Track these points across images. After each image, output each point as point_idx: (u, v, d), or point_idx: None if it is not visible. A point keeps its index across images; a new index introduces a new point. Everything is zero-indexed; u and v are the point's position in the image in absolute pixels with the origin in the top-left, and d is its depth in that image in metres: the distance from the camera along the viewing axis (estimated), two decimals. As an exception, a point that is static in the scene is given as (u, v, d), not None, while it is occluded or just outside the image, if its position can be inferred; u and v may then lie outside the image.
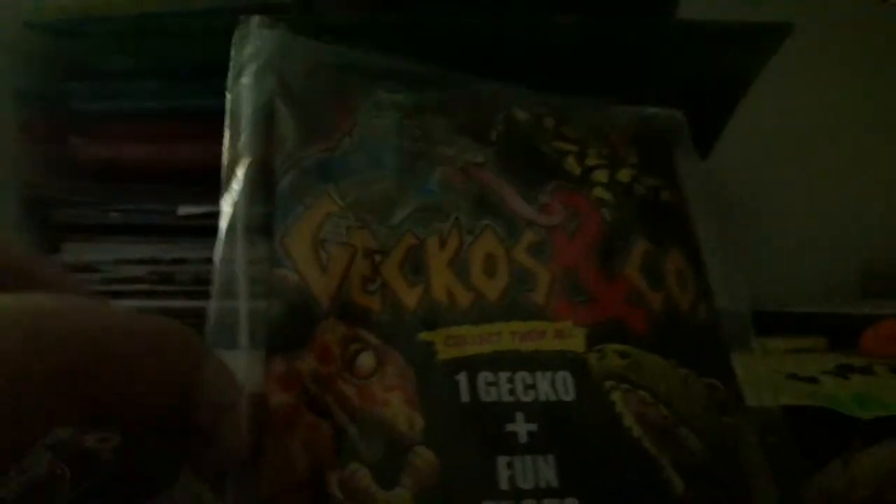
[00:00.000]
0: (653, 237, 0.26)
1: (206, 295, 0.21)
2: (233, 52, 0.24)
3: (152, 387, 0.17)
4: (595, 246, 0.25)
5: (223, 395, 0.19)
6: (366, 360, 0.21)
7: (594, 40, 0.27)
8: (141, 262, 0.45)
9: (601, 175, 0.27)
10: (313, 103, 0.25)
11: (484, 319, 0.23)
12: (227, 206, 0.22)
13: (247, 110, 0.24)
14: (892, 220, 0.69)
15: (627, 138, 0.29)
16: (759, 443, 0.23)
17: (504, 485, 0.20)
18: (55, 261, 0.44)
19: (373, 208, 0.24)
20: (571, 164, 0.27)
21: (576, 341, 0.23)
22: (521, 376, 0.22)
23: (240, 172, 0.23)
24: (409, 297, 0.23)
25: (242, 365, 0.20)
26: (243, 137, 0.23)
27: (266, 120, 0.24)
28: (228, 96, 0.24)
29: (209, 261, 0.21)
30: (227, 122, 0.23)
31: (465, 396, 0.21)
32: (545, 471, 0.20)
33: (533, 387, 0.22)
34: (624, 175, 0.28)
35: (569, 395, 0.22)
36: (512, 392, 0.22)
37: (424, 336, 0.22)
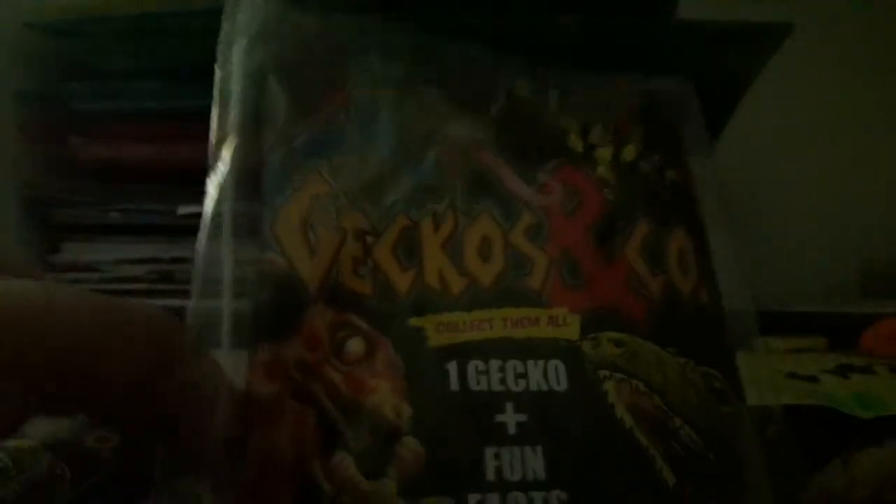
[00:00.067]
0: (656, 218, 0.26)
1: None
2: (223, 23, 0.24)
3: (117, 365, 0.17)
4: (595, 226, 0.25)
5: (206, 385, 0.19)
6: (355, 346, 0.21)
7: (594, 40, 0.27)
8: (141, 261, 0.45)
9: (605, 153, 0.27)
10: (306, 77, 0.24)
11: (476, 305, 0.22)
12: (212, 189, 0.22)
13: (236, 85, 0.23)
14: (892, 220, 0.69)
15: (633, 113, 0.28)
16: (758, 436, 0.23)
17: (490, 476, 0.20)
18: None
19: (366, 187, 0.23)
20: (574, 141, 0.27)
21: (570, 329, 0.23)
22: (513, 365, 0.22)
23: (226, 153, 0.22)
24: (401, 282, 0.22)
25: (226, 363, 0.20)
26: (232, 114, 0.22)
27: (256, 95, 0.23)
28: (217, 71, 0.23)
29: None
30: (215, 97, 0.23)
31: (454, 385, 0.21)
32: (533, 462, 0.20)
33: (524, 376, 0.22)
34: (628, 153, 0.27)
35: (560, 385, 0.22)
36: (503, 381, 0.21)
37: (415, 322, 0.22)
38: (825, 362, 0.39)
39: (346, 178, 0.23)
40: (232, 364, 0.20)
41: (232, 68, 0.23)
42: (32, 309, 0.17)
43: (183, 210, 0.44)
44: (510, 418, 0.21)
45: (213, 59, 0.24)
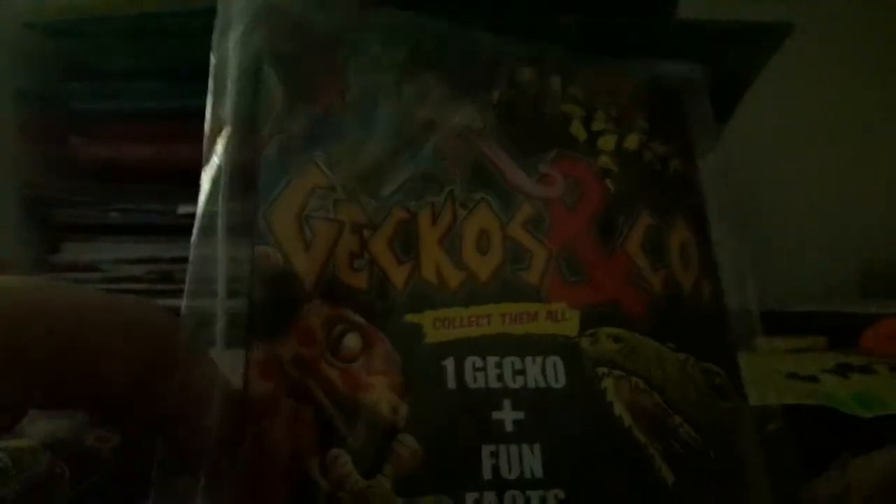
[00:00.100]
0: (658, 209, 0.25)
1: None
2: (219, 8, 0.23)
3: (117, 363, 0.18)
4: (596, 219, 0.24)
5: (203, 383, 0.19)
6: (351, 342, 0.21)
7: (594, 39, 0.27)
8: (141, 261, 0.45)
9: (608, 142, 0.26)
10: (302, 64, 0.24)
11: (474, 301, 0.22)
12: (206, 182, 0.21)
13: (232, 72, 0.22)
14: (892, 220, 0.69)
15: (639, 98, 0.27)
16: (757, 434, 0.23)
17: (487, 474, 0.20)
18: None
19: (363, 177, 0.23)
20: (577, 128, 0.26)
21: (569, 325, 0.22)
22: (511, 361, 0.22)
23: (221, 145, 0.22)
24: (398, 276, 0.22)
25: (222, 361, 0.20)
26: (227, 105, 0.22)
27: (251, 85, 0.23)
28: (213, 57, 0.23)
29: (209, 260, 0.21)
30: (210, 85, 0.22)
31: (451, 383, 0.21)
32: (530, 461, 0.20)
33: (522, 372, 0.21)
34: (632, 141, 0.26)
35: (558, 382, 0.21)
36: (500, 378, 0.21)
37: (411, 318, 0.21)
38: (825, 362, 0.39)
39: (344, 169, 0.23)
40: (227, 362, 0.20)
41: (227, 55, 0.23)
42: (33, 304, 0.17)
43: (183, 210, 0.44)
44: (507, 416, 0.21)
45: (213, 59, 0.24)
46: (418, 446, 0.20)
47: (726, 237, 0.26)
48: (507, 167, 0.24)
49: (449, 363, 0.21)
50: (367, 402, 0.20)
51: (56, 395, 0.17)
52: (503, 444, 0.20)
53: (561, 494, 0.20)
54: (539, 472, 0.20)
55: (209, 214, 0.21)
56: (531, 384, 0.21)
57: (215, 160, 0.22)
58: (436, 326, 0.21)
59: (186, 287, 0.20)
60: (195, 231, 0.21)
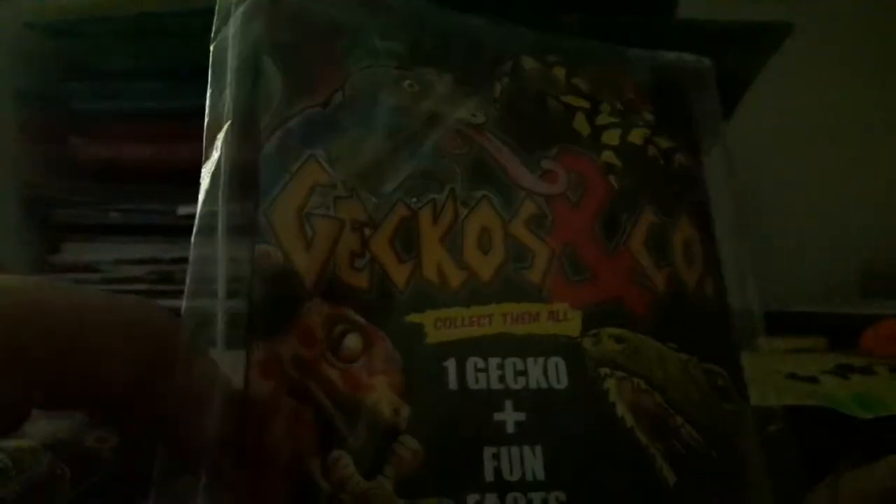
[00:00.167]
0: (662, 206, 0.25)
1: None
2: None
3: (117, 363, 0.18)
4: (599, 216, 0.24)
5: (203, 384, 0.19)
6: (352, 342, 0.20)
7: (595, 39, 0.27)
8: (141, 261, 0.45)
9: (612, 136, 0.26)
10: (302, 54, 0.23)
11: (476, 300, 0.22)
12: (206, 179, 0.21)
13: (231, 63, 0.22)
14: (892, 220, 0.69)
15: (645, 90, 0.27)
16: (758, 435, 0.23)
17: (489, 476, 0.20)
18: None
19: (363, 174, 0.22)
20: (580, 123, 0.26)
21: (571, 325, 0.22)
22: (512, 362, 0.21)
23: (220, 139, 0.21)
24: (399, 275, 0.22)
25: (222, 361, 0.20)
26: (227, 95, 0.22)
27: (251, 73, 0.22)
28: (212, 48, 0.22)
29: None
30: (210, 77, 0.22)
31: (452, 384, 0.21)
32: (532, 462, 0.20)
33: (524, 373, 0.21)
34: (636, 136, 0.26)
35: (561, 383, 0.21)
36: (502, 379, 0.21)
37: (413, 318, 0.21)
38: (825, 362, 0.39)
39: (344, 166, 0.22)
40: (227, 362, 0.20)
41: (226, 45, 0.22)
42: (33, 304, 0.17)
43: (183, 210, 0.44)
44: (509, 417, 0.21)
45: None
46: (419, 447, 0.19)
47: (728, 235, 0.26)
48: (509, 163, 0.24)
49: (450, 364, 0.21)
50: (368, 403, 0.20)
51: (56, 395, 0.17)
52: (505, 446, 0.20)
53: (563, 496, 0.20)
54: (541, 474, 0.20)
55: (209, 214, 0.21)
56: (533, 385, 0.21)
57: (215, 156, 0.21)
58: (437, 326, 0.21)
59: (186, 287, 0.20)
60: (195, 231, 0.21)
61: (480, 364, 0.21)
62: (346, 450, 0.19)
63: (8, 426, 0.17)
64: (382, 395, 0.20)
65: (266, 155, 0.22)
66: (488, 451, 0.20)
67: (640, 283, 0.24)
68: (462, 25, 0.26)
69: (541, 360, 0.22)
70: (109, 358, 0.18)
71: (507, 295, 0.22)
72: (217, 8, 0.23)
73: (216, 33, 0.23)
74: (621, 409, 0.21)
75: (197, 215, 0.21)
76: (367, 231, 0.22)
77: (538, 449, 0.20)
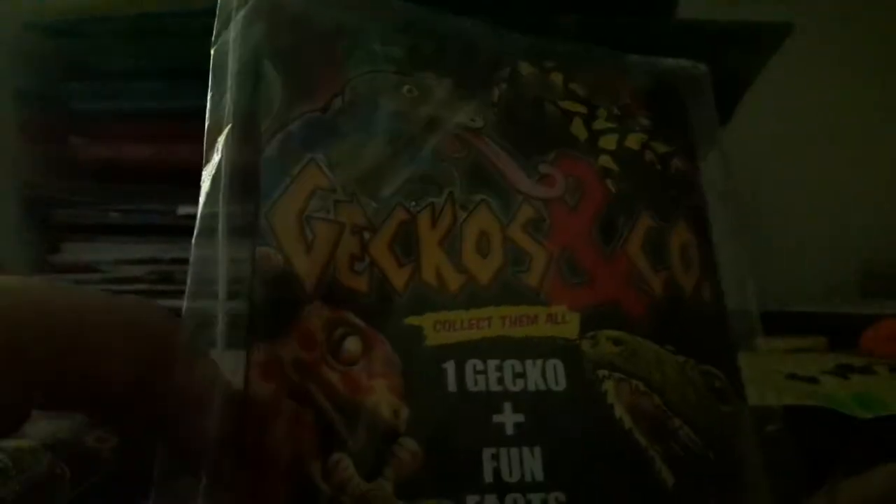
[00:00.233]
0: (659, 210, 0.25)
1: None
2: (219, 1, 0.23)
3: (117, 364, 0.18)
4: (597, 220, 0.24)
5: (203, 385, 0.19)
6: (352, 345, 0.21)
7: (594, 40, 0.27)
8: (141, 261, 0.45)
9: (609, 141, 0.26)
10: (302, 59, 0.24)
11: (474, 303, 0.22)
12: (206, 181, 0.21)
13: (232, 66, 0.22)
14: (892, 220, 0.69)
15: (641, 95, 0.27)
16: (757, 435, 0.23)
17: (488, 478, 0.20)
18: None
19: (363, 178, 0.23)
20: (578, 127, 0.26)
21: (569, 327, 0.22)
22: (511, 364, 0.21)
23: (221, 142, 0.22)
24: (398, 278, 0.22)
25: (222, 363, 0.20)
26: (227, 99, 0.22)
27: (251, 77, 0.22)
28: (212, 52, 0.22)
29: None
30: (210, 81, 0.22)
31: (451, 385, 0.21)
32: (531, 464, 0.20)
33: (522, 375, 0.21)
34: (633, 141, 0.26)
35: (559, 385, 0.21)
36: (500, 381, 0.21)
37: (412, 321, 0.21)
38: (825, 362, 0.39)
39: (344, 170, 0.22)
40: (228, 363, 0.20)
41: (226, 49, 0.22)
42: (33, 304, 0.17)
43: (183, 210, 0.45)
44: (508, 419, 0.21)
45: (212, 59, 0.24)
46: (419, 449, 0.20)
47: (726, 237, 0.26)
48: (507, 167, 0.24)
49: (449, 366, 0.21)
50: (368, 405, 0.20)
51: (56, 395, 0.17)
52: (504, 447, 0.20)
53: (562, 497, 0.20)
54: (540, 475, 0.20)
55: (209, 215, 0.21)
56: (531, 387, 0.21)
57: (215, 159, 0.21)
58: (436, 329, 0.21)
59: (187, 288, 0.20)
60: (196, 232, 0.21)
61: (479, 366, 0.21)
62: (347, 452, 0.19)
63: (8, 426, 0.17)
64: (382, 397, 0.20)
65: (267, 158, 0.22)
66: (487, 453, 0.20)
67: (637, 286, 0.24)
68: (460, 30, 0.26)
69: (539, 362, 0.22)
70: (109, 358, 0.18)
71: (505, 298, 0.22)
72: (217, 12, 0.23)
73: (217, 37, 0.23)
74: (619, 411, 0.22)
75: (198, 217, 0.21)
76: (366, 235, 0.22)
77: (537, 450, 0.20)
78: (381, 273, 0.22)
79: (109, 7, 0.44)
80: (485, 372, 0.21)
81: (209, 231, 0.21)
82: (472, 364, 0.21)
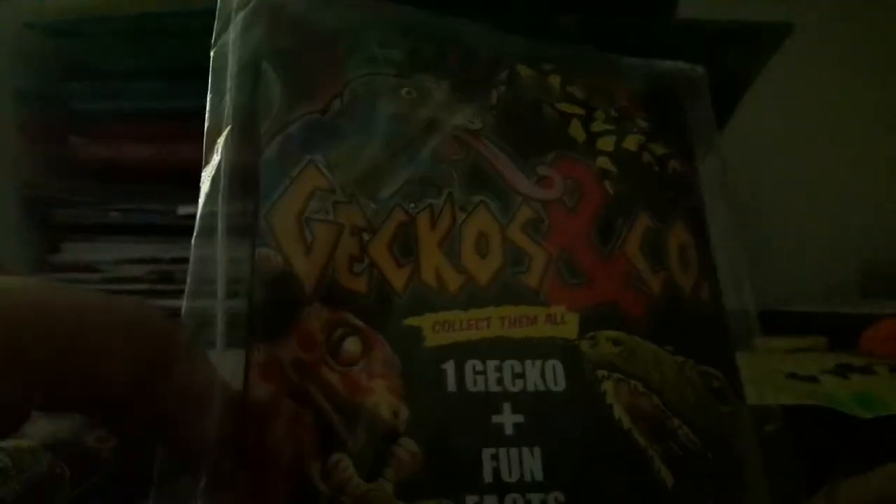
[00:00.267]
0: (657, 211, 0.25)
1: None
2: (219, 4, 0.23)
3: (117, 364, 0.18)
4: (595, 221, 0.24)
5: (202, 385, 0.19)
6: (351, 346, 0.21)
7: (594, 40, 0.27)
8: (141, 261, 0.45)
9: (607, 143, 0.26)
10: (302, 61, 0.24)
11: (474, 304, 0.22)
12: (206, 182, 0.21)
13: (231, 68, 0.22)
14: (892, 220, 0.69)
15: (639, 97, 0.27)
16: (756, 435, 0.23)
17: (488, 478, 0.20)
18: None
19: (362, 180, 0.23)
20: (576, 129, 0.26)
21: (568, 328, 0.22)
22: (510, 365, 0.21)
23: (221, 144, 0.22)
24: (397, 279, 0.22)
25: (221, 363, 0.20)
26: (227, 100, 0.22)
27: (251, 79, 0.22)
28: (212, 53, 0.22)
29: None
30: (210, 82, 0.22)
31: (451, 386, 0.21)
32: (530, 464, 0.20)
33: (521, 376, 0.21)
34: (631, 142, 0.26)
35: (558, 386, 0.21)
36: (500, 381, 0.21)
37: (411, 321, 0.21)
38: (825, 362, 0.39)
39: (343, 171, 0.22)
40: (227, 363, 0.20)
41: (226, 51, 0.23)
42: (33, 305, 0.17)
43: (183, 210, 0.44)
44: (507, 419, 0.21)
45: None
46: (419, 449, 0.20)
47: (723, 237, 0.26)
48: (505, 169, 0.24)
49: (449, 366, 0.21)
50: (368, 406, 0.20)
51: (56, 395, 0.17)
52: (503, 448, 0.20)
53: (561, 497, 0.20)
54: (539, 475, 0.20)
55: (209, 215, 0.21)
56: (531, 387, 0.21)
57: (215, 159, 0.22)
58: (435, 330, 0.21)
59: (187, 288, 0.20)
60: (195, 232, 0.21)
61: (479, 367, 0.21)
62: (346, 452, 0.19)
63: (8, 426, 0.17)
64: (382, 397, 0.20)
65: (266, 160, 0.22)
66: (487, 453, 0.20)
67: (635, 286, 0.24)
68: (459, 33, 0.26)
69: (538, 362, 0.22)
70: (109, 358, 0.18)
71: (504, 298, 0.22)
72: (217, 13, 0.23)
73: (216, 38, 0.23)
74: (619, 411, 0.22)
75: (197, 217, 0.21)
76: (365, 236, 0.22)
77: (536, 450, 0.20)
78: (381, 274, 0.22)
79: (109, 7, 0.44)
80: (484, 372, 0.21)
81: (209, 231, 0.21)
82: (471, 364, 0.21)
